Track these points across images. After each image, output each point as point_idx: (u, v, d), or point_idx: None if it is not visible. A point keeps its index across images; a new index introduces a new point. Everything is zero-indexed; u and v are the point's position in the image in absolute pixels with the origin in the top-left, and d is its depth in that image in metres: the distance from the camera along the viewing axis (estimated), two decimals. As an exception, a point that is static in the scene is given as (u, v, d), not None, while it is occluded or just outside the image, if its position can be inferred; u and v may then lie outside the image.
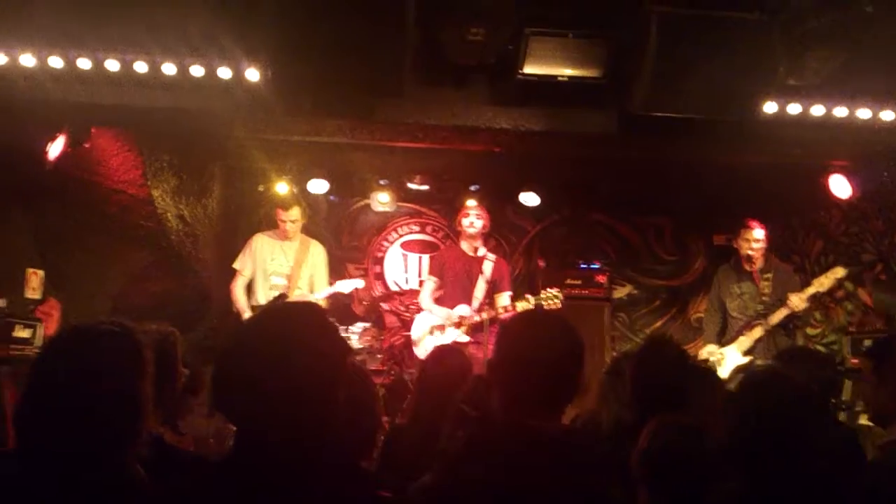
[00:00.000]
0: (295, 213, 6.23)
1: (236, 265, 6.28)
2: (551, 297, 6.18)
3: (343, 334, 6.65)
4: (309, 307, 1.97)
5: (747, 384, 2.52)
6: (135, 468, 1.89)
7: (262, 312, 1.95)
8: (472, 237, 6.33)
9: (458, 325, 6.21)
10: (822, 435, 2.39)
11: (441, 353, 4.03)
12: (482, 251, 6.37)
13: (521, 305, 6.08)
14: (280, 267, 6.21)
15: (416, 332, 6.48)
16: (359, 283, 6.52)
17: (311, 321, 1.73)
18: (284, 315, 1.80)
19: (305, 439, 1.58)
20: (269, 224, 6.58)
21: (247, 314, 6.05)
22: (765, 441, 2.23)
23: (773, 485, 2.19)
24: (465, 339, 6.11)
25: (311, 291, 6.15)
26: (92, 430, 1.83)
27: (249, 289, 6.27)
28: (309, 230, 6.79)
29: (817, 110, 5.02)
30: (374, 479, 1.94)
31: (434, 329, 6.32)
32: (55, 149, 5.20)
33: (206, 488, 1.62)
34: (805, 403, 2.32)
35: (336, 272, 6.37)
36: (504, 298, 6.38)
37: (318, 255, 6.38)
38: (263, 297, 6.15)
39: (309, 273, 6.29)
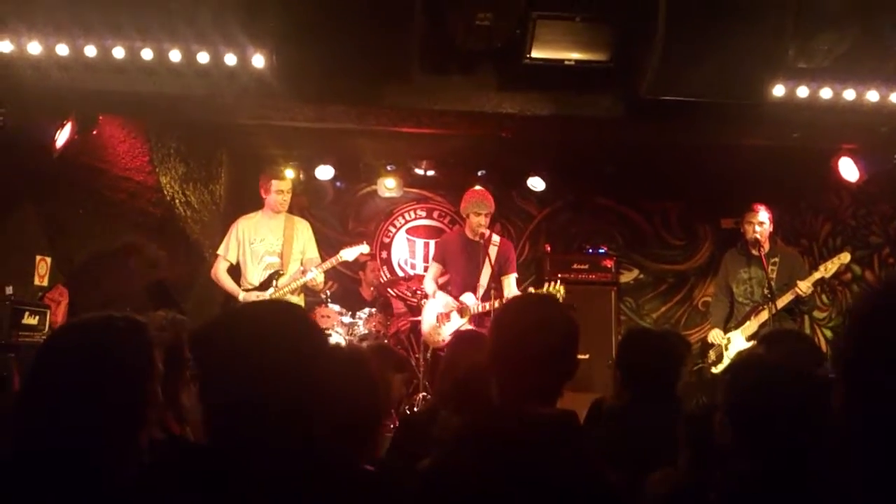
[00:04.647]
0: (288, 183, 6.28)
1: (220, 251, 6.21)
2: (554, 292, 6.09)
3: (350, 319, 6.77)
4: (288, 305, 2.07)
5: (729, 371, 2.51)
6: (135, 473, 1.76)
7: (241, 308, 1.97)
8: (479, 225, 6.23)
9: (460, 312, 6.19)
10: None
11: (459, 339, 4.01)
12: (486, 233, 6.26)
13: None
14: (271, 245, 6.14)
15: (425, 319, 6.48)
16: (364, 249, 6.44)
17: (289, 317, 1.82)
18: (262, 310, 1.92)
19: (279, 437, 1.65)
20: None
21: (241, 296, 5.99)
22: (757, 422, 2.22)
23: (774, 466, 2.18)
24: (469, 327, 6.01)
25: (303, 266, 6.11)
26: (91, 432, 1.70)
27: (238, 272, 6.20)
28: (315, 215, 6.78)
29: (826, 93, 4.99)
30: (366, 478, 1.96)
31: (440, 317, 6.32)
32: (62, 137, 5.20)
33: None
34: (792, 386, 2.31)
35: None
36: (510, 281, 6.31)
37: (304, 230, 6.32)
38: (257, 277, 6.09)
39: (300, 249, 6.23)
